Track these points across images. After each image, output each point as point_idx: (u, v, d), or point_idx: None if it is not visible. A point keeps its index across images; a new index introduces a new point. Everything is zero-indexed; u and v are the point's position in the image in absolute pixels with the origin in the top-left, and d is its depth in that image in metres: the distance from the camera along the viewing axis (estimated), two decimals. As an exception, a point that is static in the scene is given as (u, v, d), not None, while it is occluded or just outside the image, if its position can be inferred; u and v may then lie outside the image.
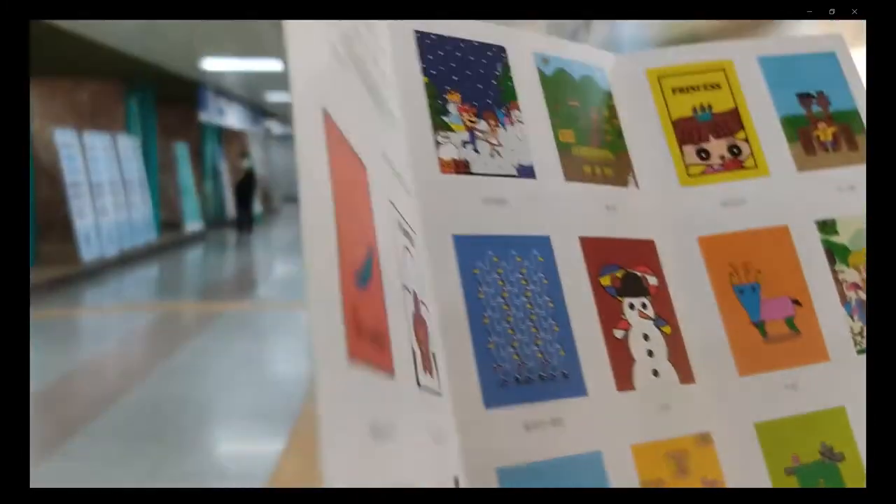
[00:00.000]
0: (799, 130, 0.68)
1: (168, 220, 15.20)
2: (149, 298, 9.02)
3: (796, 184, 0.65)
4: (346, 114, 0.38)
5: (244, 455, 4.27)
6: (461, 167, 0.56)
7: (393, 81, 0.56)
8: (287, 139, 29.84)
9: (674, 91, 0.67)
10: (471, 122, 0.58)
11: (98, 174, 11.56)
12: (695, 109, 0.66)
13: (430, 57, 0.59)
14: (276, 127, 27.04)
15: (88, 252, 10.80)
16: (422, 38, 0.59)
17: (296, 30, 0.34)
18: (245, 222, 16.13)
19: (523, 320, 0.53)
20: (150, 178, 14.25)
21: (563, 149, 0.61)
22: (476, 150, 0.58)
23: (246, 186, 16.23)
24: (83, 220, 10.84)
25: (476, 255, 0.53)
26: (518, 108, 0.61)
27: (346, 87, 0.40)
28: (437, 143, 0.56)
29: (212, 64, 12.12)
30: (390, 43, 0.58)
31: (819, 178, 0.66)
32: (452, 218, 0.54)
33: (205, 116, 15.68)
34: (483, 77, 0.60)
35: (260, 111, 21.24)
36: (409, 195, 0.52)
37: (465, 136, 0.58)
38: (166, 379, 5.53)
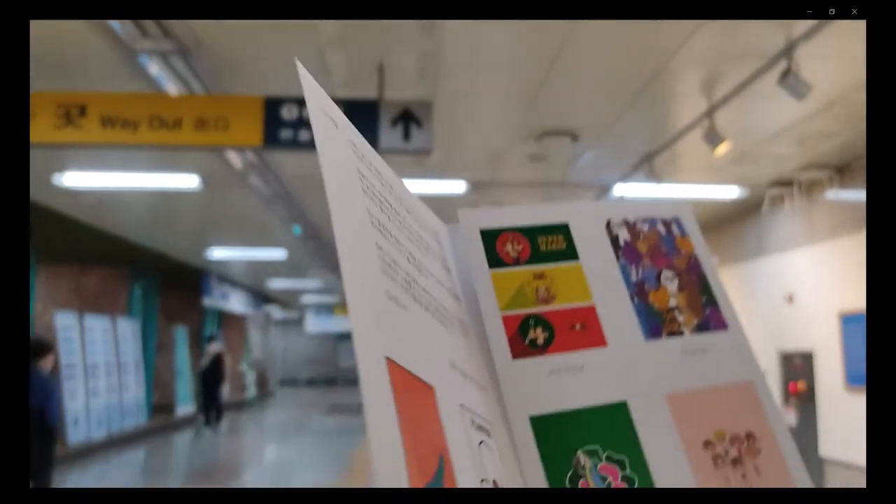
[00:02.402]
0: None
1: (160, 403, 14.99)
2: (132, 483, 8.70)
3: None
4: (408, 349, 0.45)
5: None
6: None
7: (453, 281, 0.63)
8: (286, 324, 30.12)
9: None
10: None
11: (94, 356, 11.60)
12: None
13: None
14: (275, 312, 27.43)
15: (76, 435, 10.57)
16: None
17: (352, 281, 0.41)
18: (211, 412, 14.25)
19: None
20: (147, 360, 14.27)
21: None
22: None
23: (212, 373, 14.40)
24: (73, 403, 10.72)
25: None
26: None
27: (404, 324, 0.46)
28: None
29: (217, 253, 12.60)
30: (451, 244, 0.65)
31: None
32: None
33: (207, 301, 15.98)
34: None
35: (261, 297, 21.68)
36: (484, 390, 0.56)
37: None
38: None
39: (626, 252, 0.67)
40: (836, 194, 6.88)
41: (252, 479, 9.62)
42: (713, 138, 5.34)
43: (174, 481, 9.27)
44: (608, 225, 0.68)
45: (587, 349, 0.60)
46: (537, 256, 0.64)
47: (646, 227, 0.69)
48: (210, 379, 14.22)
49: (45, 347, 5.66)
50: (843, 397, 6.68)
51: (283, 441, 13.32)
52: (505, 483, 0.49)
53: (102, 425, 11.53)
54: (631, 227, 0.69)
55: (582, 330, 0.61)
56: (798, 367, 7.53)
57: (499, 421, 0.55)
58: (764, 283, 8.26)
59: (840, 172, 6.86)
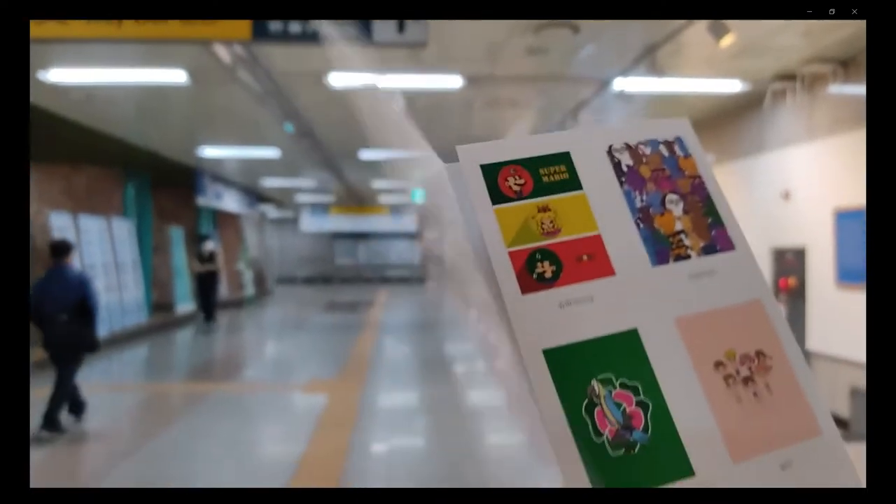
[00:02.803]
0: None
1: (160, 302, 15.21)
2: (135, 379, 8.93)
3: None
4: None
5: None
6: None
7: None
8: (281, 223, 30.17)
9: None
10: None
11: (91, 256, 11.66)
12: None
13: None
14: (270, 211, 27.41)
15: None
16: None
17: None
18: (208, 310, 14.53)
19: None
20: (144, 261, 14.36)
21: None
22: None
23: (208, 273, 14.64)
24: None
25: None
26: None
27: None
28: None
29: (209, 151, 12.45)
30: (451, 183, 0.64)
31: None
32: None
33: (201, 200, 15.93)
34: None
35: (255, 196, 21.61)
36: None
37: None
38: (152, 459, 5.46)
39: (629, 178, 0.65)
40: (838, 89, 6.75)
41: (254, 374, 9.89)
42: (718, 30, 5.17)
43: (176, 377, 9.53)
44: (610, 151, 0.66)
45: (596, 280, 0.61)
46: (540, 189, 0.63)
47: (648, 150, 0.67)
48: (206, 278, 14.33)
49: (67, 246, 6.43)
50: (832, 293, 6.80)
51: (282, 337, 13.62)
52: None
53: (104, 324, 11.71)
54: (633, 151, 0.67)
55: (589, 260, 0.61)
56: (790, 264, 7.62)
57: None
58: (761, 180, 8.23)
59: (844, 66, 6.71)
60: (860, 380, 6.36)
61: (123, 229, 13.33)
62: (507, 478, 5.01)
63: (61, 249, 6.33)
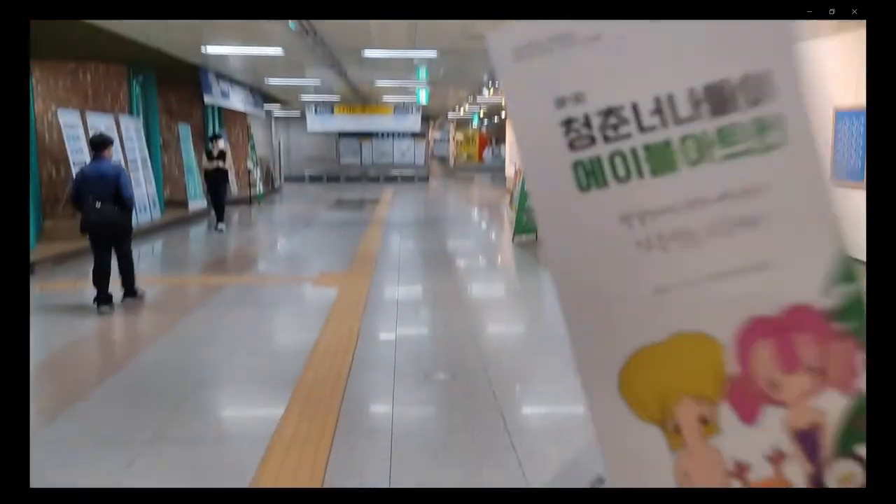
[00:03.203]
0: None
1: (172, 199, 15.48)
2: (152, 273, 9.27)
3: None
4: None
5: (246, 418, 4.57)
6: None
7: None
8: (287, 122, 30.00)
9: None
10: None
11: (102, 153, 11.80)
12: None
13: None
14: (276, 110, 27.18)
15: (94, 229, 11.07)
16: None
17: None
18: (220, 209, 13.81)
19: None
20: (154, 158, 14.49)
21: None
22: None
23: (217, 171, 13.80)
24: (88, 199, 11.10)
25: None
26: None
27: None
28: None
29: (214, 49, 12.31)
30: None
31: None
32: None
33: (208, 99, 15.87)
34: None
35: (261, 95, 21.43)
36: None
37: None
38: (170, 347, 5.82)
39: None
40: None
41: (266, 267, 10.24)
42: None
43: (192, 271, 9.87)
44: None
45: None
46: None
47: None
48: (215, 176, 13.88)
49: (107, 140, 7.14)
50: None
51: (292, 233, 13.93)
52: None
53: (118, 220, 12.02)
54: None
55: None
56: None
57: None
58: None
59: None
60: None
61: (131, 127, 13.40)
62: (506, 364, 5.36)
63: (100, 144, 7.04)
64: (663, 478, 0.38)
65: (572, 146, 0.43)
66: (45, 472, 3.52)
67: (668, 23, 0.45)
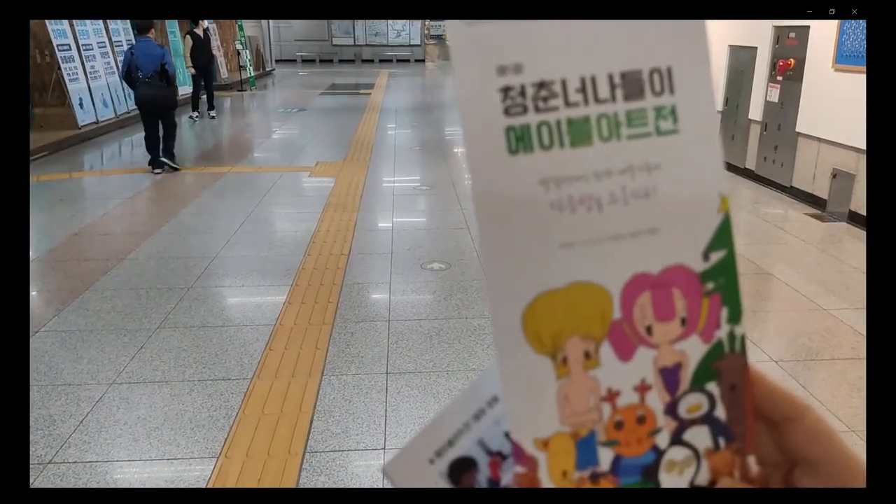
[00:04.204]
0: None
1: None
2: (145, 163, 9.22)
3: None
4: None
5: (250, 305, 4.71)
6: None
7: None
8: None
9: None
10: None
11: (85, 36, 11.44)
12: None
13: None
14: (263, -14, 26.00)
15: (84, 116, 10.92)
16: None
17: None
18: (205, 95, 13.17)
19: None
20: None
21: None
22: None
23: (201, 52, 12.89)
24: (76, 84, 10.87)
25: None
26: None
27: None
28: None
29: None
30: None
31: None
32: None
33: (191, -24, 15.14)
34: None
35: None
36: None
37: None
38: (172, 237, 5.89)
39: None
40: None
41: (262, 156, 10.17)
42: None
43: (186, 160, 9.81)
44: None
45: None
46: None
47: None
48: (200, 59, 12.93)
49: (148, 24, 8.13)
50: (829, 75, 6.83)
51: (286, 120, 13.73)
52: None
53: (108, 106, 11.81)
54: None
55: None
56: (791, 44, 7.55)
57: None
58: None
59: None
60: (842, 162, 6.62)
61: (114, 8, 12.87)
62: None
63: (144, 26, 8.08)
64: (548, 399, 0.47)
65: (507, 112, 0.49)
66: (54, 363, 3.67)
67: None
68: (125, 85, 8.96)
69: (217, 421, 3.18)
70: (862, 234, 6.09)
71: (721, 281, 0.49)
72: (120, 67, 8.80)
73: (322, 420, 3.19)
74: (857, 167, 6.39)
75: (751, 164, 8.31)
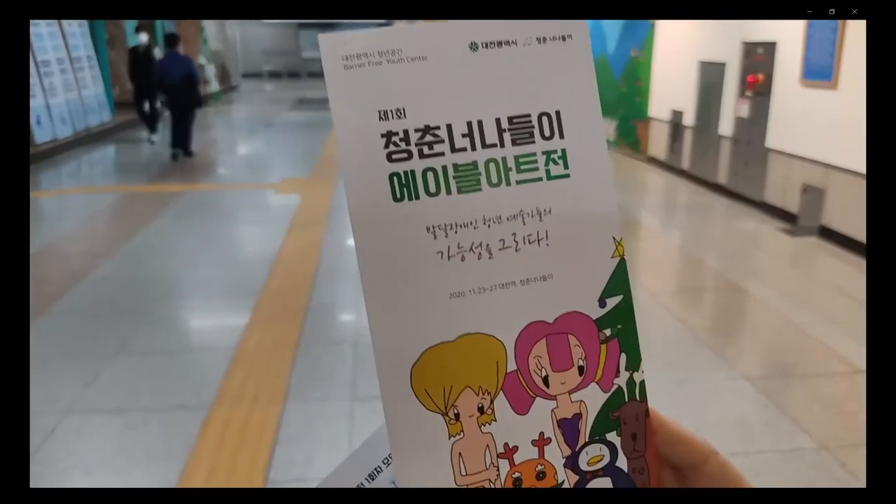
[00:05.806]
0: None
1: (122, 100, 14.82)
2: (106, 181, 9.00)
3: None
4: None
5: (210, 328, 4.55)
6: None
7: None
8: (242, 14, 28.58)
9: None
10: None
11: (43, 52, 11.17)
12: None
13: None
14: (229, 1, 25.80)
15: (42, 134, 10.62)
16: None
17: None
18: (151, 117, 11.86)
19: None
20: (100, 55, 13.77)
21: None
22: None
23: (143, 72, 11.09)
24: (33, 101, 10.59)
25: None
26: None
27: None
28: None
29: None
30: None
31: None
32: None
33: (153, -10, 14.95)
34: None
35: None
36: None
37: None
38: (131, 259, 5.71)
39: None
40: None
41: (226, 172, 9.99)
42: None
43: (145, 179, 9.58)
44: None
45: None
46: None
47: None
48: (140, 79, 11.26)
49: (176, 38, 10.04)
50: (796, 91, 6.89)
51: (252, 136, 13.55)
52: None
53: (67, 123, 11.52)
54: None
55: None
56: (759, 60, 7.62)
57: None
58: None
59: None
60: (812, 177, 6.67)
61: (73, 21, 12.63)
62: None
63: (172, 40, 9.93)
64: (441, 459, 0.45)
65: (390, 158, 0.47)
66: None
67: (486, 56, 0.50)
68: (159, 92, 10.60)
69: (174, 451, 3.03)
70: (833, 248, 6.12)
71: (618, 327, 0.49)
72: (154, 75, 10.22)
73: (285, 447, 3.06)
74: (827, 182, 6.43)
75: (722, 179, 8.35)
